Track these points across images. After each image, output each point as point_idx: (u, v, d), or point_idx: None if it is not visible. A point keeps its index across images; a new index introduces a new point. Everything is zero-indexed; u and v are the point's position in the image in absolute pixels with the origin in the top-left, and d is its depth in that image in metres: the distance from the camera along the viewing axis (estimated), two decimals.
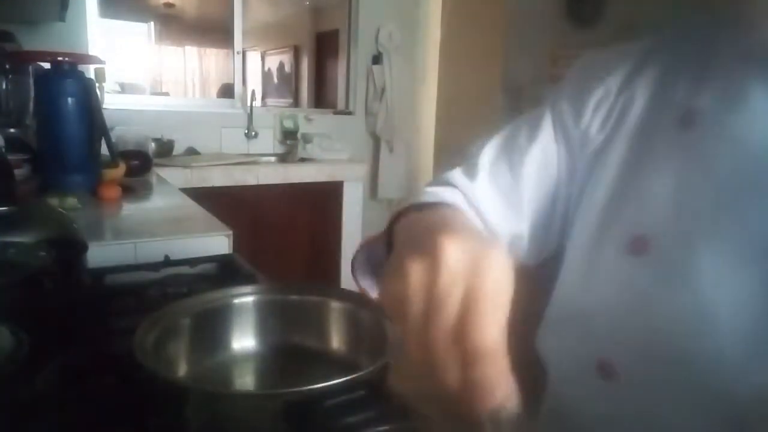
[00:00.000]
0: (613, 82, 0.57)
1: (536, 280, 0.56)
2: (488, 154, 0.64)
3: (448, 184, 0.63)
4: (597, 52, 0.62)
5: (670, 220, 0.49)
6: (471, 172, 0.63)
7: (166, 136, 2.80)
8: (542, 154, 0.61)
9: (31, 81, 1.70)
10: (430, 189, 0.62)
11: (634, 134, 0.54)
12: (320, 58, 5.48)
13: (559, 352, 0.61)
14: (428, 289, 0.31)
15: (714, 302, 0.46)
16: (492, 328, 0.30)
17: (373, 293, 0.57)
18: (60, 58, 1.58)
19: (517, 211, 0.61)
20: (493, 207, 0.60)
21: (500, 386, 0.29)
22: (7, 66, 1.72)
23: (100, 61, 1.99)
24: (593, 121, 0.57)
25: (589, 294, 0.55)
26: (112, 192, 1.51)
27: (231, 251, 1.16)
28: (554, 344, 0.62)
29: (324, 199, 2.91)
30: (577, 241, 0.57)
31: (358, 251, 0.60)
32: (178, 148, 2.88)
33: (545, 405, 0.68)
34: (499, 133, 0.67)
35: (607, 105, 0.57)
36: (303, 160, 3.04)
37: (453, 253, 0.31)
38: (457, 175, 0.63)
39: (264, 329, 0.63)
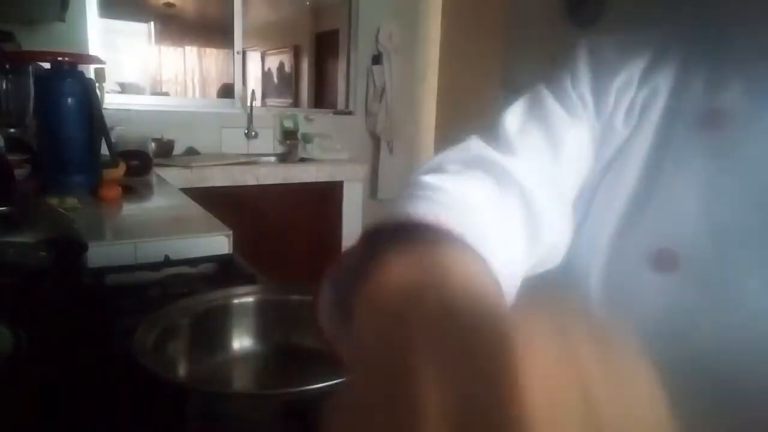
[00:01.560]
0: (634, 69, 0.50)
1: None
2: (516, 123, 0.50)
3: (469, 163, 0.43)
4: (602, 39, 0.54)
5: (702, 232, 0.44)
6: (503, 147, 0.46)
7: (166, 136, 2.80)
8: (578, 140, 0.50)
9: (31, 81, 1.70)
10: (429, 180, 0.39)
11: (655, 133, 0.48)
12: (320, 58, 5.48)
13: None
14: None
15: (764, 319, 0.41)
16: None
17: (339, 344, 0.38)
18: (60, 58, 1.58)
19: (564, 202, 0.49)
20: (547, 194, 0.43)
21: None
22: (7, 66, 1.72)
23: (100, 61, 1.99)
24: (617, 111, 0.50)
25: (612, 311, 0.48)
26: (112, 192, 1.51)
27: (231, 251, 1.16)
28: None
29: (324, 199, 2.91)
30: (594, 249, 0.50)
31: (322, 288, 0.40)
32: (178, 148, 2.87)
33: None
34: (519, 102, 0.55)
35: (630, 95, 0.49)
36: (303, 160, 3.04)
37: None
38: (483, 147, 0.46)
39: (264, 329, 0.64)
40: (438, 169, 0.42)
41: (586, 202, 0.51)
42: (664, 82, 0.48)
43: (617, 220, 0.48)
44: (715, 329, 0.43)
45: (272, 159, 3.12)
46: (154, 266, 0.94)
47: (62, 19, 2.35)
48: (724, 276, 0.42)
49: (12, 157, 1.45)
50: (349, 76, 3.56)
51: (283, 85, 6.25)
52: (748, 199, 0.42)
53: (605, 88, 0.50)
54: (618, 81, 0.50)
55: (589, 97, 0.50)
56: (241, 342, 0.63)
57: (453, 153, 0.46)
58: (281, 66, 6.25)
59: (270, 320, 0.64)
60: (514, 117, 0.51)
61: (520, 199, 0.41)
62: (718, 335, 0.42)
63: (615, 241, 0.48)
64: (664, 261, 0.44)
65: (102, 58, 1.99)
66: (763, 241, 0.41)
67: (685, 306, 0.44)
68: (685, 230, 0.44)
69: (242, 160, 2.80)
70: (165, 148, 2.76)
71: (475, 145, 0.47)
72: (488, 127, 0.50)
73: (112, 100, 2.73)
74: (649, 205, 0.47)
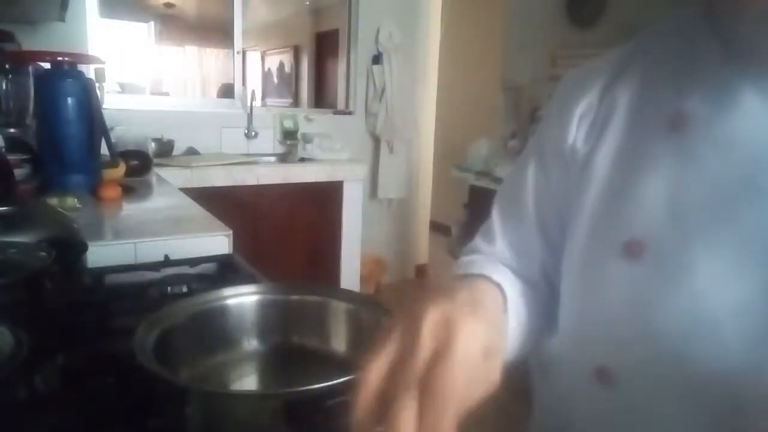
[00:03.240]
0: (594, 93, 0.57)
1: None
2: (497, 211, 0.68)
3: (475, 252, 0.67)
4: (575, 70, 0.63)
5: (664, 223, 0.49)
6: (489, 237, 0.67)
7: (166, 136, 2.80)
8: (537, 189, 0.63)
9: (31, 81, 1.70)
10: (466, 259, 0.64)
11: (621, 139, 0.54)
12: (320, 58, 5.48)
13: (556, 360, 0.61)
14: (412, 338, 0.36)
15: (713, 304, 0.46)
16: (450, 387, 0.34)
17: None
18: (60, 58, 1.58)
19: (530, 259, 0.63)
20: (512, 263, 0.63)
21: None
22: (7, 66, 1.72)
23: (100, 61, 1.99)
24: (578, 134, 0.58)
25: (586, 300, 0.55)
26: (112, 192, 1.51)
27: (231, 251, 1.16)
28: (551, 352, 0.62)
29: (324, 199, 2.91)
30: (571, 249, 0.57)
31: None
32: (178, 148, 2.88)
33: (538, 413, 0.68)
34: (503, 183, 0.71)
35: (590, 116, 0.57)
36: (303, 160, 3.04)
37: (432, 316, 0.37)
38: (479, 242, 0.68)
39: (264, 329, 0.64)
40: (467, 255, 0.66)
41: (567, 213, 0.59)
42: (623, 95, 0.55)
43: (589, 218, 0.54)
44: (668, 310, 0.48)
45: (272, 159, 3.12)
46: (154, 266, 0.94)
47: (62, 19, 2.36)
48: (681, 261, 0.47)
49: (12, 157, 1.45)
50: (349, 76, 3.56)
51: (283, 85, 6.25)
52: (706, 193, 0.47)
53: (568, 119, 0.58)
54: (580, 109, 0.57)
55: (555, 132, 0.60)
56: (241, 342, 0.63)
57: (468, 248, 0.68)
58: (281, 66, 6.25)
59: (270, 320, 0.64)
60: (495, 209, 0.68)
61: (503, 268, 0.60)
62: (674, 315, 0.47)
63: (589, 235, 0.54)
64: (632, 250, 0.50)
65: (102, 58, 1.99)
66: (716, 229, 0.46)
67: (648, 289, 0.49)
68: (650, 222, 0.50)
69: (242, 160, 2.80)
70: (165, 148, 2.76)
71: (476, 242, 0.68)
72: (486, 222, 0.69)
73: (112, 100, 2.73)
74: (619, 200, 0.52)
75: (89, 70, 2.26)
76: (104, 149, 1.70)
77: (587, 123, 0.57)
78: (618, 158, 0.54)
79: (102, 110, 1.65)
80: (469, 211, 2.78)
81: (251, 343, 0.63)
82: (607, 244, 0.52)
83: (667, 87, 0.52)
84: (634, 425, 0.52)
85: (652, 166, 0.50)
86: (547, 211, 0.62)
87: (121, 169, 1.80)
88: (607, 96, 0.56)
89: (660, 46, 0.55)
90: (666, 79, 0.52)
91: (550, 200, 0.62)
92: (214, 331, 0.62)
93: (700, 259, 0.46)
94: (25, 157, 1.57)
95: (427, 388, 0.34)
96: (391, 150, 3.58)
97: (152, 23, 5.49)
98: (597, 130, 0.56)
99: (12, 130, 1.68)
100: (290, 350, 0.63)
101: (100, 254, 0.97)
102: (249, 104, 3.12)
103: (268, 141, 3.21)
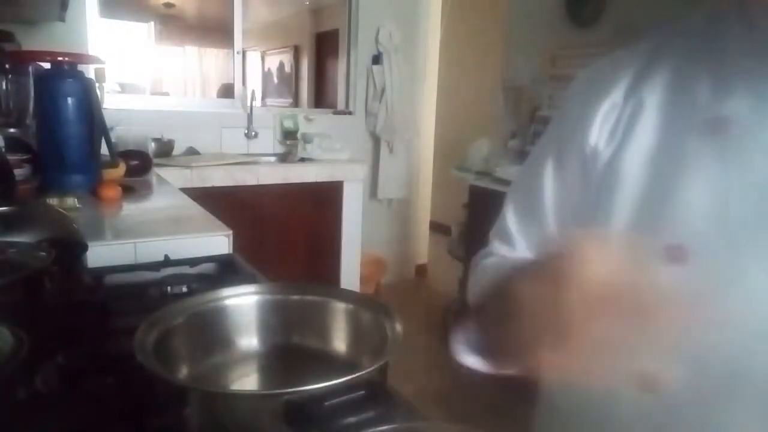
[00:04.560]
0: (618, 91, 0.56)
1: None
2: (512, 213, 0.67)
3: (494, 255, 0.68)
4: (591, 69, 0.62)
5: (710, 228, 0.48)
6: (507, 239, 0.67)
7: (166, 136, 2.80)
8: (554, 189, 0.62)
9: (31, 81, 1.70)
10: (488, 262, 0.66)
11: (653, 140, 0.53)
12: (320, 58, 5.48)
13: (596, 365, 0.59)
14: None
15: (766, 309, 0.45)
16: None
17: (482, 368, 0.58)
18: (60, 58, 1.58)
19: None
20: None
21: None
22: (7, 66, 1.72)
23: (100, 61, 1.99)
24: (601, 134, 0.57)
25: (625, 306, 0.54)
26: (112, 192, 1.51)
27: (231, 251, 1.16)
28: (592, 353, 0.60)
29: (324, 199, 2.91)
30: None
31: (457, 334, 0.59)
32: (178, 148, 2.88)
33: (558, 413, 0.67)
34: (515, 183, 0.70)
35: (614, 116, 0.56)
36: (303, 160, 3.04)
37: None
38: (497, 245, 0.68)
39: (264, 329, 0.63)
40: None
41: (586, 213, 0.58)
42: (651, 94, 0.54)
43: (624, 221, 0.53)
44: (724, 314, 0.46)
45: (272, 159, 3.12)
46: (154, 266, 0.94)
47: (62, 19, 2.36)
48: (732, 266, 0.47)
49: (12, 157, 1.45)
50: (349, 76, 3.56)
51: (283, 85, 6.25)
52: (755, 198, 0.46)
53: (589, 120, 0.57)
54: (603, 107, 0.56)
55: (575, 132, 0.59)
56: (241, 342, 0.63)
57: (484, 253, 0.69)
58: (281, 66, 6.25)
59: (270, 320, 0.64)
60: (509, 211, 0.67)
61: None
62: (727, 320, 0.46)
63: (625, 241, 0.52)
64: (675, 255, 0.49)
65: (102, 58, 1.99)
66: (765, 234, 0.46)
67: (695, 295, 0.47)
68: (694, 227, 0.49)
69: (242, 160, 2.80)
70: (165, 148, 2.76)
71: (495, 245, 0.68)
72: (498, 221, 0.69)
73: (112, 100, 2.73)
74: (659, 204, 0.51)
75: (89, 70, 2.26)
76: (104, 149, 1.70)
77: (611, 123, 0.56)
78: (651, 160, 0.52)
79: (102, 110, 1.65)
80: (469, 211, 2.78)
81: (251, 343, 0.63)
82: (646, 249, 0.50)
83: (703, 88, 0.51)
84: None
85: (693, 169, 0.49)
86: (566, 212, 0.61)
87: (121, 169, 1.80)
88: (632, 95, 0.55)
89: (689, 45, 0.54)
90: (700, 79, 0.51)
91: (568, 200, 0.61)
92: (214, 331, 0.62)
93: (751, 264, 0.46)
94: (25, 157, 1.57)
95: None
96: (391, 150, 3.58)
97: (152, 23, 5.49)
98: (622, 130, 0.55)
99: (12, 130, 1.68)
100: (290, 350, 0.63)
101: (100, 254, 0.97)
102: (249, 104, 3.12)
103: (268, 141, 3.21)
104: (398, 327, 0.55)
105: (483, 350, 0.56)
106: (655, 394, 0.51)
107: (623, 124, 0.55)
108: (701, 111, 0.50)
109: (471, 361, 0.56)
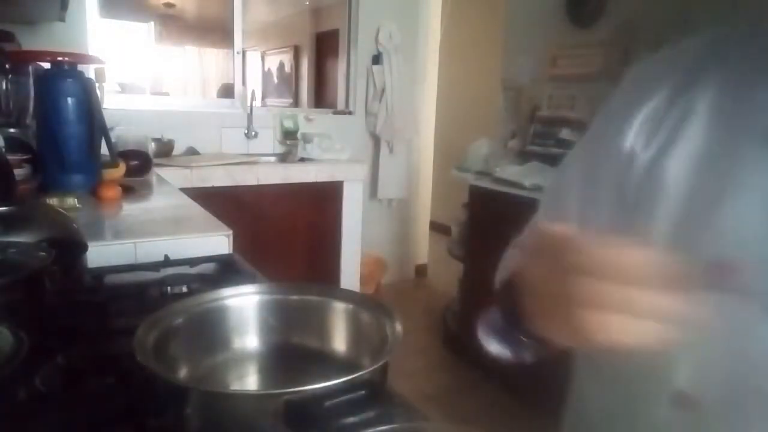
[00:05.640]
0: (662, 95, 0.53)
1: None
2: (570, 191, 0.63)
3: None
4: (640, 65, 0.58)
5: (761, 245, 0.45)
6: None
7: (166, 136, 2.80)
8: (585, 199, 0.59)
9: (31, 81, 1.70)
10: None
11: (703, 147, 0.49)
12: (320, 58, 5.48)
13: (628, 378, 0.57)
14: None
15: None
16: None
17: (503, 355, 0.55)
18: (60, 58, 1.58)
19: None
20: None
21: None
22: (7, 66, 1.72)
23: (100, 61, 1.99)
24: (638, 138, 0.53)
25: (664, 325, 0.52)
26: (112, 192, 1.51)
27: (231, 251, 1.16)
28: (622, 367, 0.57)
29: (324, 199, 2.91)
30: None
31: (481, 320, 0.57)
32: (178, 148, 2.88)
33: (580, 422, 0.66)
34: (545, 190, 0.68)
35: (657, 118, 0.53)
36: (303, 160, 3.04)
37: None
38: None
39: (264, 329, 0.63)
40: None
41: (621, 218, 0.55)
42: (702, 99, 0.50)
43: (666, 231, 0.50)
44: (763, 338, 0.44)
45: (272, 159, 3.13)
46: (154, 266, 0.94)
47: (62, 19, 2.35)
48: None
49: (12, 157, 1.45)
50: (349, 76, 3.56)
51: (283, 85, 6.25)
52: None
53: (631, 118, 0.54)
54: (643, 111, 0.53)
55: (614, 128, 0.56)
56: (241, 342, 0.63)
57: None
58: (281, 66, 6.25)
59: (270, 320, 0.64)
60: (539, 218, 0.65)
61: None
62: (764, 340, 0.44)
63: (667, 249, 0.49)
64: (721, 270, 0.45)
65: (102, 58, 1.99)
66: None
67: (741, 315, 0.45)
68: (743, 243, 0.46)
69: (242, 160, 2.80)
70: (165, 148, 2.76)
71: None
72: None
73: (112, 100, 2.73)
74: (702, 218, 0.48)
75: (89, 70, 2.26)
76: (104, 149, 1.70)
77: (652, 124, 0.53)
78: (699, 168, 0.49)
79: (102, 110, 1.65)
80: (469, 211, 2.78)
81: (251, 343, 0.63)
82: (690, 262, 0.47)
83: (762, 93, 0.48)
84: None
85: (746, 180, 0.46)
86: (592, 222, 0.58)
87: (121, 169, 1.80)
88: (679, 99, 0.51)
89: (749, 47, 0.51)
90: (761, 84, 0.48)
91: (597, 209, 0.58)
92: (214, 331, 0.62)
93: None
94: (25, 157, 1.57)
95: None
96: (391, 150, 3.58)
97: (152, 23, 5.49)
98: (666, 133, 0.52)
99: (12, 130, 1.68)
100: (290, 350, 0.63)
101: (100, 254, 0.97)
102: (249, 104, 3.12)
103: (268, 141, 3.21)
104: (398, 327, 0.55)
105: (507, 332, 0.53)
106: (689, 411, 0.50)
107: (668, 126, 0.51)
108: (761, 117, 0.47)
109: (494, 347, 0.54)
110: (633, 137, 0.53)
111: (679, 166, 0.50)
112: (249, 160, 2.84)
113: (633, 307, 0.36)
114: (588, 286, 0.36)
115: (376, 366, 0.48)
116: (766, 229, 0.45)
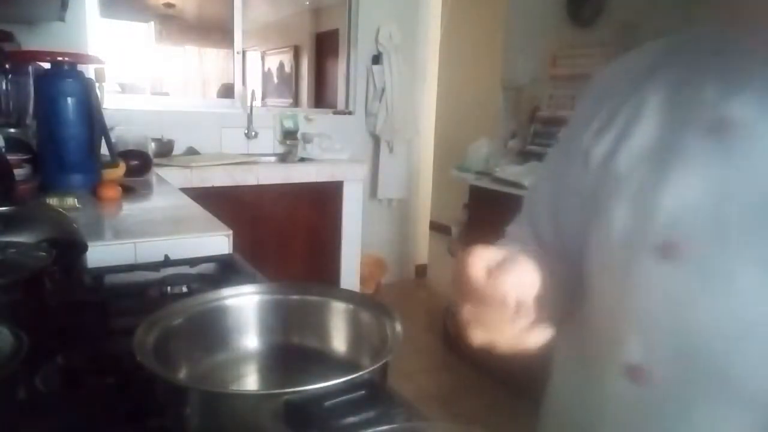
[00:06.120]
0: (620, 92, 0.57)
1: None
2: (520, 219, 0.71)
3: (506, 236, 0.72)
4: (603, 70, 0.63)
5: (704, 226, 0.48)
6: (518, 221, 0.71)
7: (166, 136, 2.80)
8: (556, 181, 0.65)
9: (31, 81, 1.70)
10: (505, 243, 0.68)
11: (652, 139, 0.53)
12: (320, 58, 5.48)
13: (583, 356, 0.61)
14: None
15: (754, 308, 0.45)
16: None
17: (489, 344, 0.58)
18: (60, 58, 1.58)
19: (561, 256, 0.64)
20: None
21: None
22: (7, 66, 1.72)
23: (100, 61, 1.99)
24: (594, 136, 0.58)
25: (618, 298, 0.54)
26: (112, 192, 1.51)
27: (231, 251, 1.16)
28: (577, 347, 0.62)
29: (324, 199, 2.91)
30: (600, 246, 0.56)
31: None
32: (178, 148, 2.88)
33: (554, 409, 0.68)
34: (534, 182, 0.73)
35: (610, 117, 0.57)
36: (303, 160, 3.04)
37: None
38: (510, 227, 0.72)
39: (264, 329, 0.64)
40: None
41: (586, 208, 0.59)
42: (653, 95, 0.54)
43: (620, 216, 0.54)
44: (706, 311, 0.48)
45: (272, 159, 3.13)
46: (154, 266, 0.94)
47: (62, 19, 2.36)
48: (722, 266, 0.47)
49: (12, 157, 1.45)
50: (349, 76, 3.56)
51: (283, 85, 6.25)
52: (751, 201, 0.46)
53: (591, 116, 0.59)
54: (603, 107, 0.58)
55: (577, 129, 0.61)
56: (241, 342, 0.63)
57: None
58: (281, 66, 6.25)
59: (270, 320, 0.64)
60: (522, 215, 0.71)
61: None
62: (712, 318, 0.47)
63: (621, 233, 0.54)
64: (669, 250, 0.49)
65: (102, 58, 1.99)
66: (760, 238, 0.46)
67: (682, 288, 0.49)
68: (689, 224, 0.49)
69: (242, 160, 2.80)
70: (165, 148, 2.76)
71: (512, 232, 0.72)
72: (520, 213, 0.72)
73: (112, 100, 2.73)
74: (654, 200, 0.51)
75: (89, 70, 2.26)
76: (104, 149, 1.70)
77: (605, 122, 0.57)
78: (648, 157, 0.53)
79: (102, 110, 1.65)
80: (469, 211, 2.78)
81: (251, 343, 0.63)
82: (642, 243, 0.51)
83: (709, 89, 0.51)
84: (665, 425, 0.52)
85: (690, 166, 0.50)
86: (560, 218, 0.64)
87: (121, 169, 1.80)
88: (635, 93, 0.56)
89: (698, 47, 0.54)
90: (706, 80, 0.51)
91: (567, 193, 0.62)
92: (214, 331, 0.62)
93: (740, 264, 0.46)
94: (25, 157, 1.57)
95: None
96: (391, 150, 3.58)
97: (152, 23, 5.49)
98: (619, 129, 0.56)
99: (12, 130, 1.68)
100: (290, 350, 0.63)
101: (100, 254, 0.97)
102: (249, 104, 3.12)
103: (268, 141, 3.22)
104: (398, 327, 0.55)
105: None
106: (641, 385, 0.52)
107: (620, 123, 0.56)
108: (705, 111, 0.50)
109: (480, 337, 0.56)
110: (588, 138, 0.58)
111: (630, 158, 0.54)
112: (249, 160, 2.84)
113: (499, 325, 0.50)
114: (474, 312, 0.51)
115: (376, 366, 0.48)
116: (706, 211, 0.48)
